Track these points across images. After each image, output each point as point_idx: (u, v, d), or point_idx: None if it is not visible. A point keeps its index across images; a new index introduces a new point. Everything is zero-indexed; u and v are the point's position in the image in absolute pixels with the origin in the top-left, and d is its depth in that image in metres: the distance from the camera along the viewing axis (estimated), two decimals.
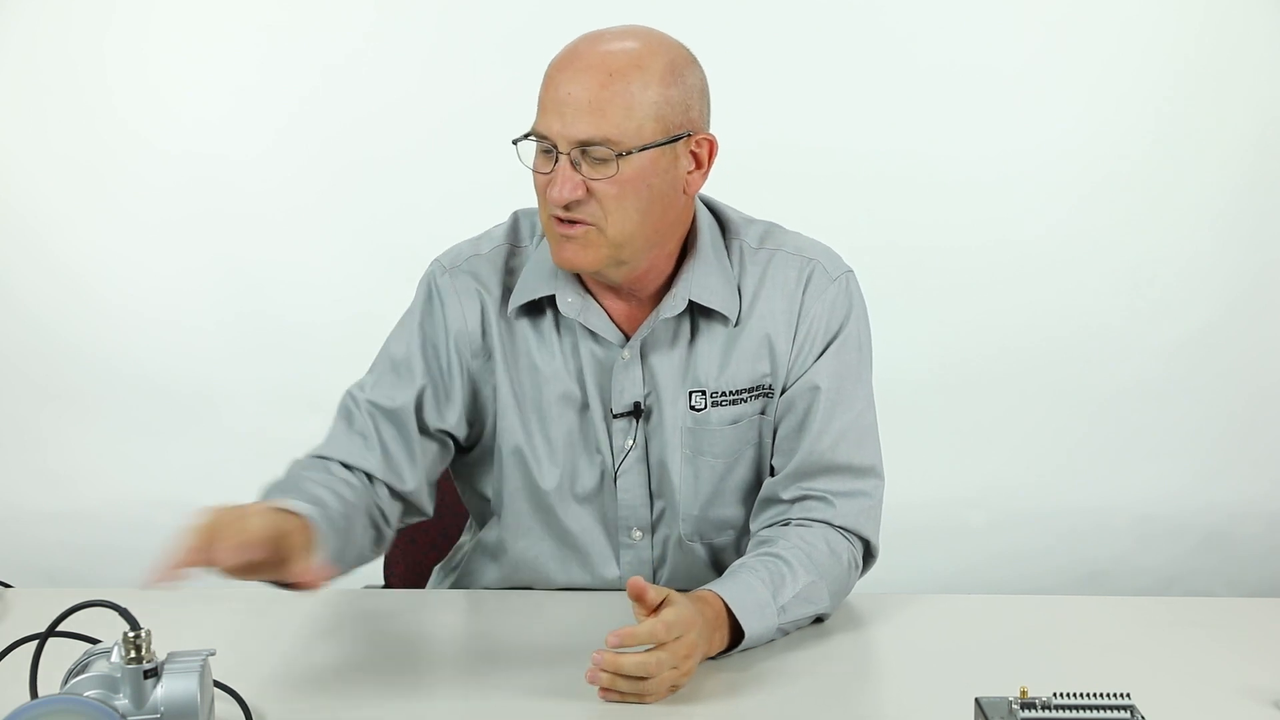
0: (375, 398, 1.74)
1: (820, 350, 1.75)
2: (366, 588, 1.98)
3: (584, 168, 1.60)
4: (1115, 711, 1.26)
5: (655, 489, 1.77)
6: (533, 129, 1.63)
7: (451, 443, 1.78)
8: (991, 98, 3.59)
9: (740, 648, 1.58)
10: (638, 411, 1.74)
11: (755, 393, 1.75)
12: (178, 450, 3.53)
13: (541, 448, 1.77)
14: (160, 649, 1.30)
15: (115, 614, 1.30)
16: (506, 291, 1.76)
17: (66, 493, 3.55)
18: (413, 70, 3.56)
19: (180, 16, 3.61)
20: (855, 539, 1.73)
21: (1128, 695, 1.26)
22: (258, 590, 1.74)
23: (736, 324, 1.74)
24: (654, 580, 1.81)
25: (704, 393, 1.74)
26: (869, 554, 1.77)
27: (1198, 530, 3.59)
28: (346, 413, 1.74)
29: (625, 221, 1.62)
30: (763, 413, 1.76)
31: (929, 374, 3.63)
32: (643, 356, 1.74)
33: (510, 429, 1.77)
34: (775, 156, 3.56)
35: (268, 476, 1.68)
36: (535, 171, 1.63)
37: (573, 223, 1.62)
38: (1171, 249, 3.62)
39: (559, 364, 1.75)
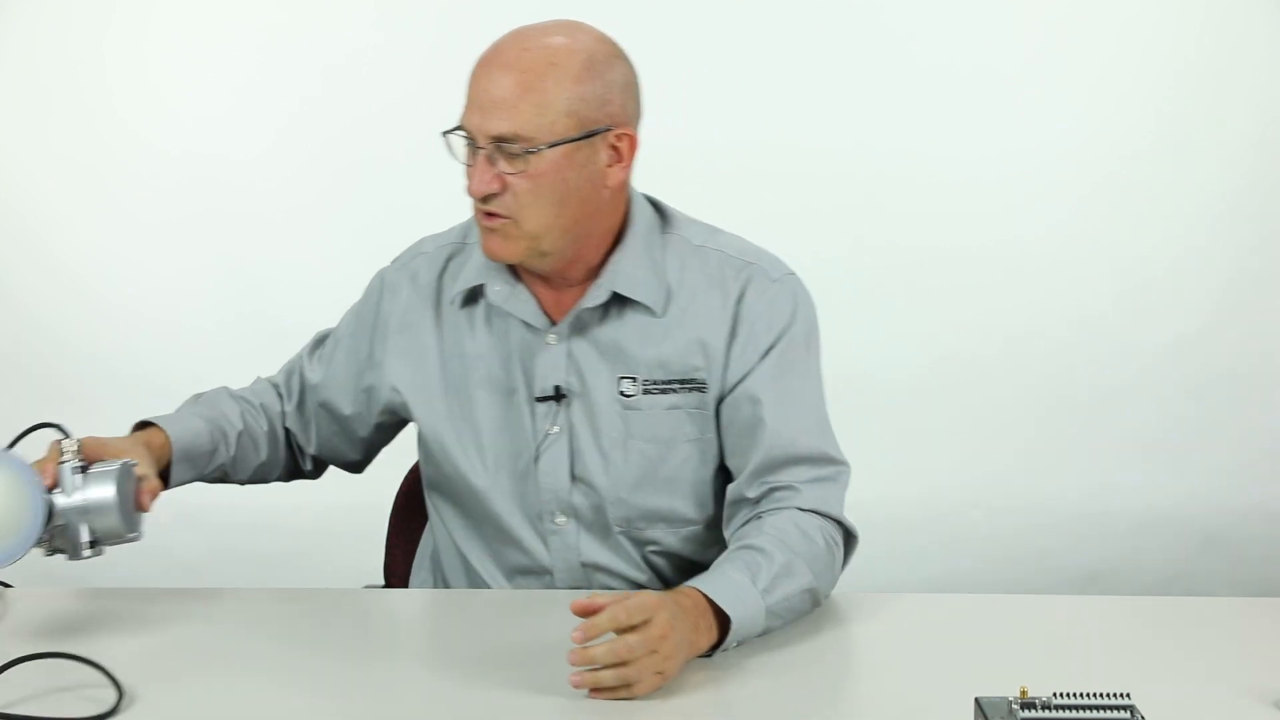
0: (305, 369, 1.93)
1: (765, 350, 1.76)
2: (367, 587, 1.99)
3: (500, 162, 1.65)
4: (1115, 711, 1.26)
5: (578, 473, 1.78)
6: (460, 123, 1.68)
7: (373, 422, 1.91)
8: (991, 98, 3.59)
9: (733, 638, 1.55)
10: (558, 395, 1.77)
11: (689, 385, 1.77)
12: None
13: (466, 434, 1.81)
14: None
15: None
16: (439, 288, 1.84)
17: None
18: (413, 70, 3.56)
19: (180, 16, 3.61)
20: (825, 519, 1.72)
21: (1128, 695, 1.26)
22: (256, 591, 1.75)
23: (664, 315, 1.76)
24: (582, 569, 1.82)
25: (634, 379, 1.76)
26: (850, 537, 1.76)
27: (1198, 530, 3.60)
28: (288, 367, 1.96)
29: (540, 215, 1.67)
30: (698, 407, 1.77)
31: (929, 373, 3.63)
32: (570, 342, 1.77)
33: (435, 417, 1.82)
34: (775, 156, 3.57)
35: None
36: (464, 164, 1.69)
37: (492, 215, 1.68)
38: (1171, 248, 3.62)
39: (487, 350, 1.80)
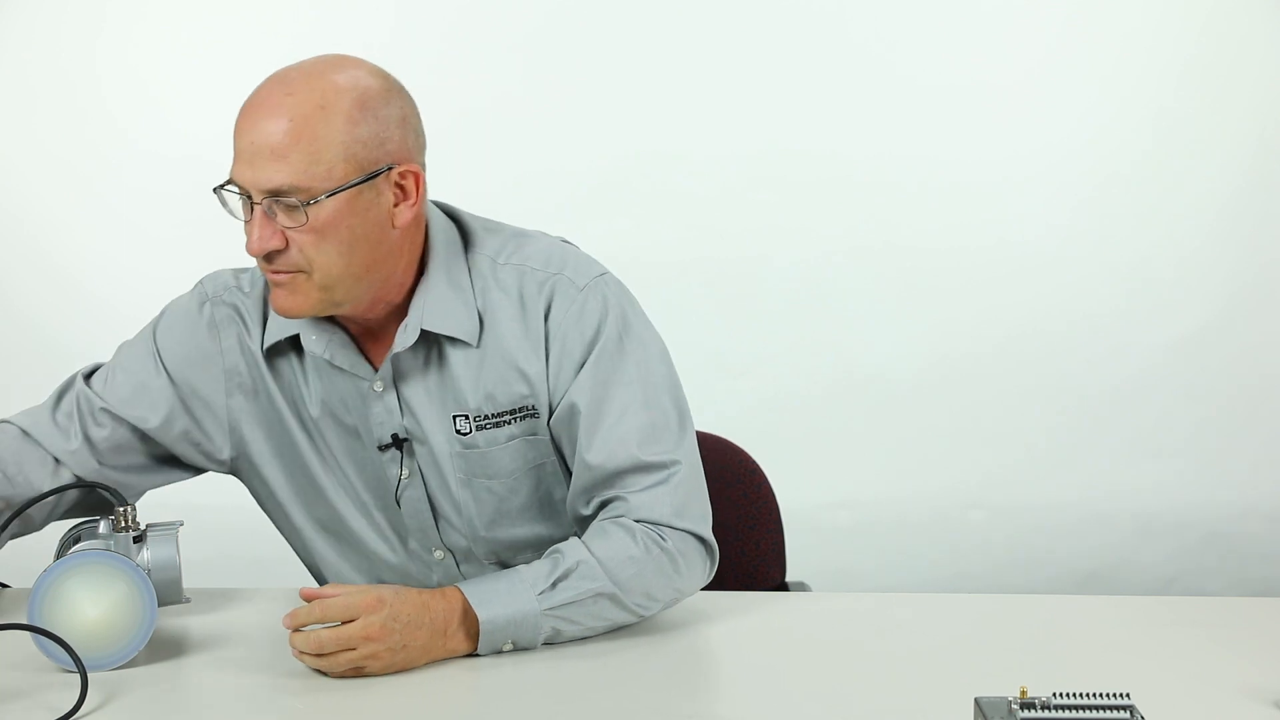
0: (110, 404, 1.74)
1: (579, 363, 1.67)
2: None
3: (279, 216, 1.56)
4: (1115, 711, 1.25)
5: (438, 512, 1.75)
6: (230, 176, 1.60)
7: (179, 467, 1.79)
8: (994, 101, 3.60)
9: (496, 639, 1.53)
10: (398, 443, 1.71)
11: (520, 414, 1.69)
12: None
13: (337, 477, 1.76)
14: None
15: None
16: (263, 334, 1.74)
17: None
18: (419, 74, 3.54)
19: (184, 20, 3.61)
20: (650, 525, 1.63)
21: (1128, 695, 1.26)
22: (250, 591, 1.75)
23: (478, 345, 1.68)
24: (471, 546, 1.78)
25: (467, 416, 1.69)
26: (703, 546, 1.66)
27: (1198, 530, 3.60)
28: (59, 395, 1.77)
29: (329, 266, 1.58)
30: (534, 433, 1.70)
31: (930, 373, 3.64)
32: (397, 387, 1.70)
33: (299, 467, 1.76)
34: (777, 162, 3.57)
35: None
36: (241, 219, 1.60)
37: (276, 271, 1.59)
38: (1172, 250, 3.63)
39: (324, 396, 1.73)
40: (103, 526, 1.59)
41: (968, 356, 3.63)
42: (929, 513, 3.59)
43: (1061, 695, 1.26)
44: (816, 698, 1.47)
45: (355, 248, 1.59)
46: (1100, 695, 1.26)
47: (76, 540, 1.64)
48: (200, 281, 1.81)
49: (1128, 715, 1.25)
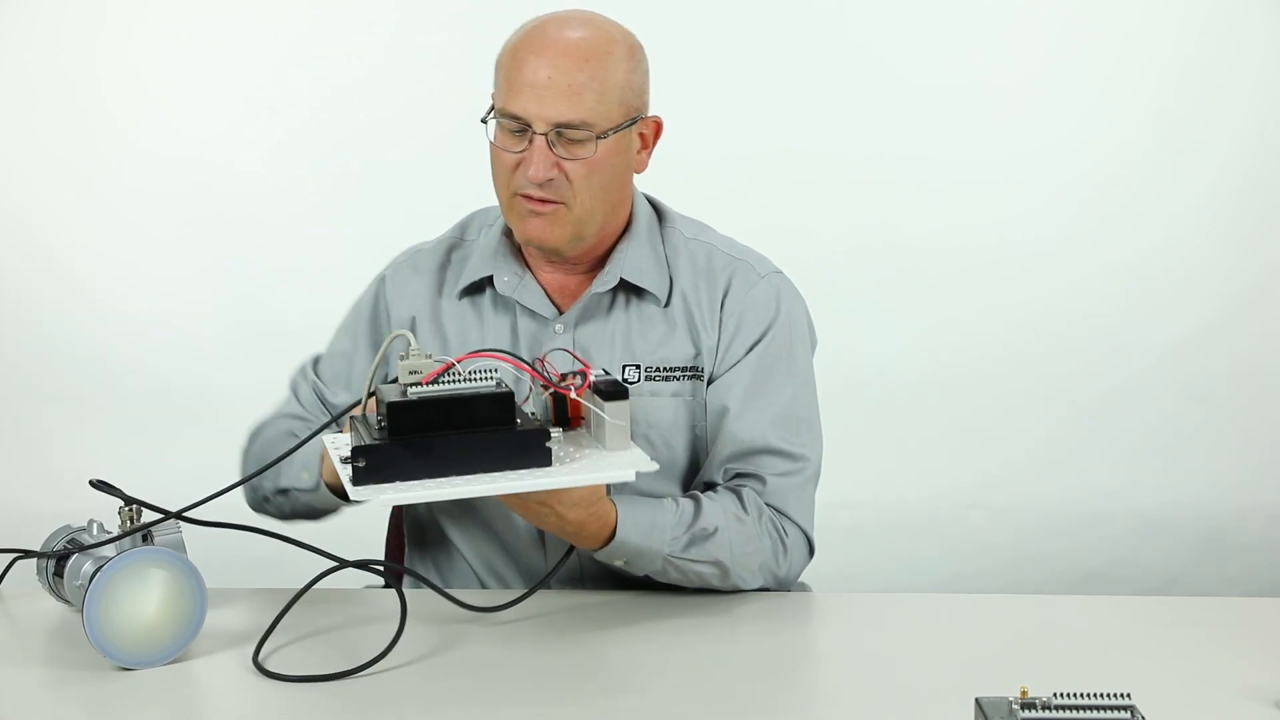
0: (326, 396, 1.88)
1: (749, 345, 1.79)
2: (367, 587, 1.99)
3: (558, 148, 1.66)
4: (1115, 711, 1.25)
5: None
6: (504, 109, 1.68)
7: None
8: (995, 102, 3.60)
9: (616, 557, 1.64)
10: None
11: (688, 373, 1.79)
12: (177, 454, 3.53)
13: None
14: None
15: None
16: (441, 280, 1.85)
17: (67, 495, 3.55)
18: (418, 76, 3.56)
19: (184, 22, 3.61)
20: (779, 514, 1.75)
21: (1128, 695, 1.26)
22: (254, 591, 1.76)
23: (667, 304, 1.79)
24: (579, 562, 1.79)
25: (638, 367, 1.78)
26: (809, 545, 1.80)
27: (1198, 530, 3.59)
28: (295, 387, 1.93)
29: (592, 200, 1.69)
30: (694, 395, 1.79)
31: (930, 375, 3.64)
32: (576, 331, 1.79)
33: None
34: (779, 162, 3.57)
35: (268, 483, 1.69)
36: (504, 150, 1.69)
37: (544, 200, 1.68)
38: (1172, 251, 3.63)
39: (493, 339, 1.80)
40: (95, 528, 1.61)
41: (968, 357, 3.63)
42: (929, 513, 3.59)
43: (1062, 695, 1.26)
44: (816, 698, 1.47)
45: (610, 186, 1.71)
46: (1100, 695, 1.26)
47: (71, 541, 1.64)
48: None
49: (1128, 715, 1.25)
